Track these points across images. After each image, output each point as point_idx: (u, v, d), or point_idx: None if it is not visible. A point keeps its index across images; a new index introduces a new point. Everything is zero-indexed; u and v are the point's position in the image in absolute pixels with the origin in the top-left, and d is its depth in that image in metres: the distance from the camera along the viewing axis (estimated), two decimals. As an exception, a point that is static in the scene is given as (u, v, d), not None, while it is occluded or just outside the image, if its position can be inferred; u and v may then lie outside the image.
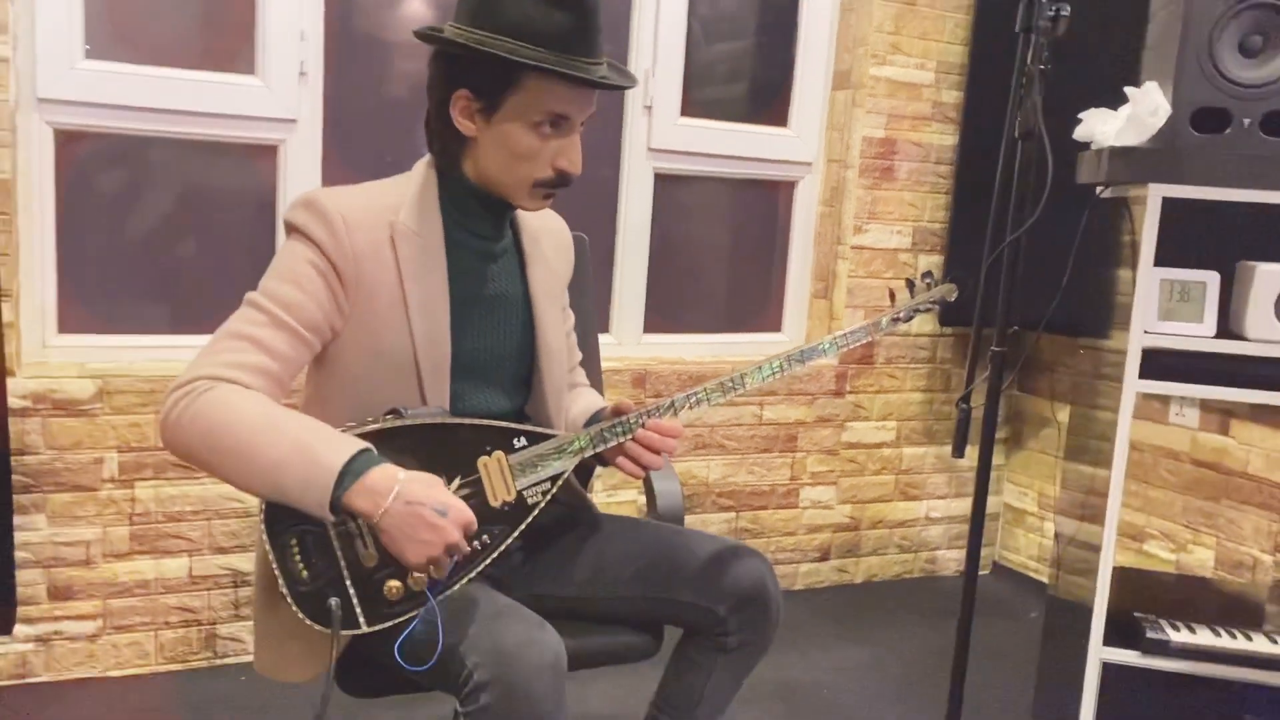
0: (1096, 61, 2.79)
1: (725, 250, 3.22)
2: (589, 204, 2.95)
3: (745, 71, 3.15)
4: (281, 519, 1.33)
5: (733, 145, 3.09)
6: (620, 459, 1.50)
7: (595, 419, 1.60)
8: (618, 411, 1.51)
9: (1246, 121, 1.89)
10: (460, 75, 1.41)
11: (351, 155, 2.64)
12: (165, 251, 2.52)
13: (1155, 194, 1.93)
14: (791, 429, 3.16)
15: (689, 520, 2.98)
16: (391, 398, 1.42)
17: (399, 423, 1.38)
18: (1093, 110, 2.11)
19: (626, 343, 3.05)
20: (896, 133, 3.14)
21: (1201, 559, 2.87)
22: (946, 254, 3.25)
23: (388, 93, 2.68)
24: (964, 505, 3.48)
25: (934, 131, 3.19)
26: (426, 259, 1.45)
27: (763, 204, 3.24)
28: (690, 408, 1.50)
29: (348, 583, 1.34)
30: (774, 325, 3.30)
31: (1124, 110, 2.01)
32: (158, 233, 2.51)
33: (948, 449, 3.41)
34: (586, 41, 1.39)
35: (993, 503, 3.55)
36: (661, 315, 3.11)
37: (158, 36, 2.43)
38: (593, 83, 1.40)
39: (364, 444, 1.31)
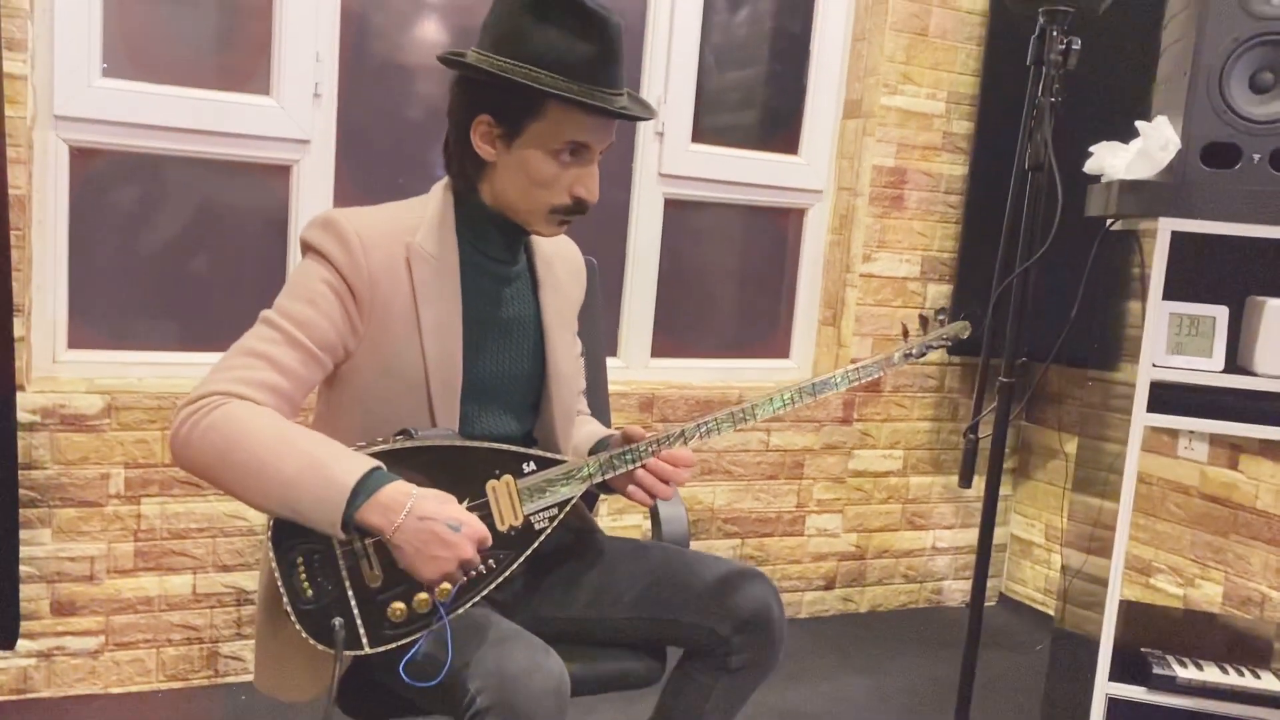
0: (1107, 95, 2.80)
1: (734, 276, 3.22)
2: (599, 228, 2.96)
3: (757, 99, 3.17)
4: (288, 537, 1.33)
5: (743, 172, 3.10)
6: (631, 488, 1.50)
7: (600, 446, 1.60)
8: (627, 439, 1.51)
9: (1256, 157, 1.90)
10: (482, 101, 1.42)
11: (364, 176, 2.66)
12: (176, 269, 2.53)
13: (1165, 228, 1.93)
14: (798, 456, 3.15)
15: (694, 546, 2.97)
16: (402, 418, 1.43)
17: (409, 444, 1.38)
18: (1103, 143, 2.12)
19: (634, 366, 3.05)
20: (907, 162, 3.15)
21: (1209, 594, 2.85)
22: (955, 284, 3.26)
23: (401, 115, 2.70)
24: (970, 536, 3.46)
25: (944, 161, 3.20)
26: (441, 281, 1.45)
27: (772, 231, 3.25)
28: (700, 437, 1.50)
29: (352, 603, 1.34)
30: (782, 352, 3.30)
31: (1134, 144, 2.01)
32: (169, 250, 2.52)
33: (955, 478, 3.39)
34: (608, 72, 1.41)
35: (999, 534, 3.54)
36: (670, 340, 3.11)
37: (174, 56, 2.45)
38: (614, 113, 1.41)
39: (376, 462, 1.32)
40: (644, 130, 2.96)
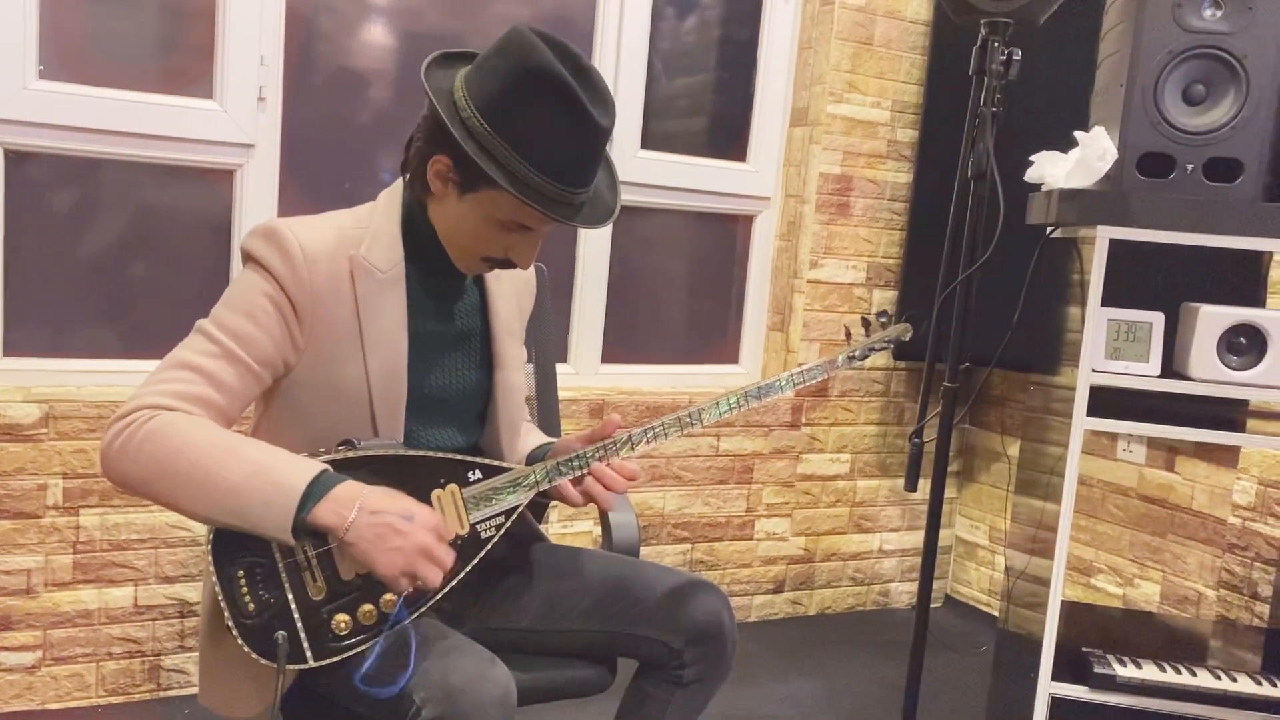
0: (1048, 105, 2.86)
1: (683, 282, 3.23)
2: (549, 235, 2.95)
3: (705, 107, 3.18)
4: (229, 550, 1.31)
5: (692, 179, 3.12)
6: (574, 495, 1.50)
7: (541, 452, 1.60)
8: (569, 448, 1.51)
9: (1190, 167, 1.94)
10: (448, 143, 1.36)
11: (309, 181, 2.63)
12: (116, 275, 2.48)
13: (1103, 236, 1.97)
14: (748, 460, 3.17)
15: (644, 552, 2.97)
16: (344, 432, 1.41)
17: (352, 453, 1.37)
18: (1043, 153, 2.15)
19: (584, 373, 3.05)
20: (852, 169, 3.19)
21: (1148, 593, 2.91)
22: (900, 290, 3.30)
23: (348, 119, 2.68)
24: (917, 538, 3.50)
25: (889, 169, 3.24)
26: (386, 295, 1.44)
27: (721, 237, 3.26)
28: (647, 443, 1.51)
29: (295, 616, 1.32)
30: (731, 357, 3.32)
31: (1073, 153, 2.05)
32: (109, 256, 2.48)
33: (901, 482, 3.43)
34: (580, 170, 1.38)
35: (945, 536, 3.58)
36: (620, 346, 3.11)
37: (113, 58, 2.40)
38: (565, 222, 1.39)
39: (324, 465, 1.31)
40: (593, 136, 2.95)
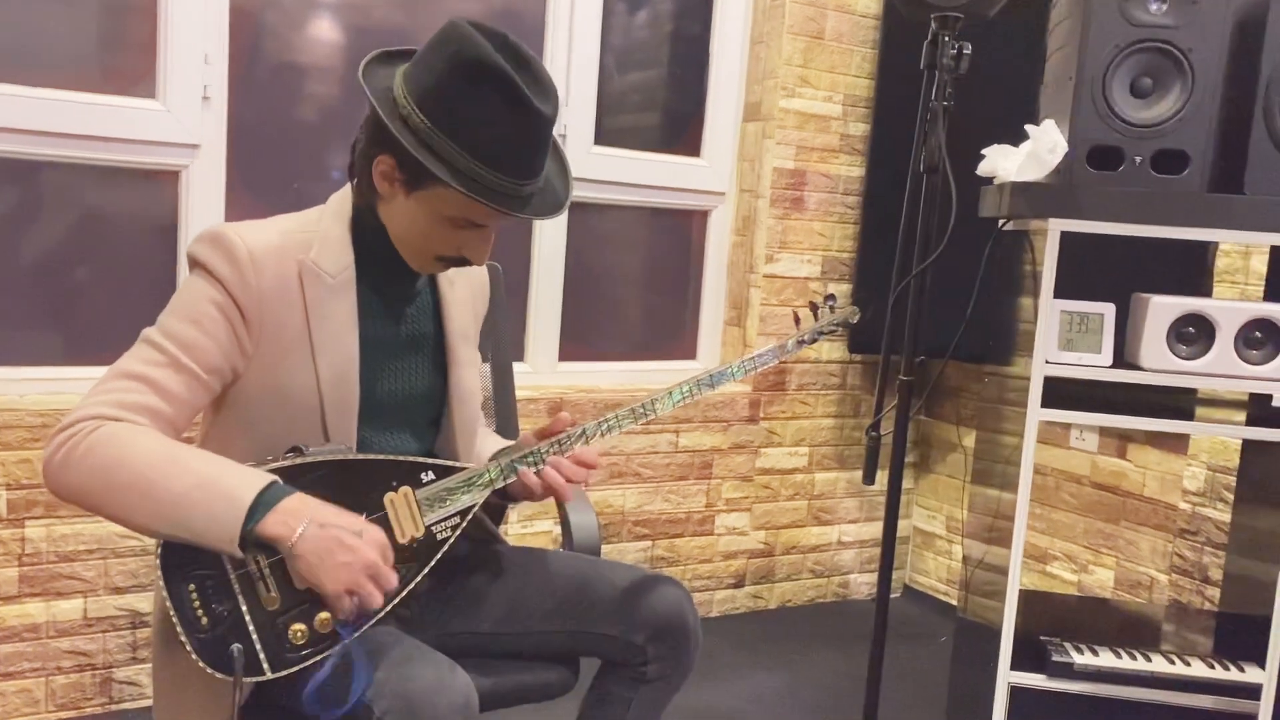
0: (998, 98, 2.88)
1: (640, 278, 3.23)
2: (503, 232, 2.91)
3: (658, 102, 3.17)
4: (179, 563, 1.28)
5: (646, 174, 3.11)
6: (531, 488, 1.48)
7: (503, 453, 1.58)
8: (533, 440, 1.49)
9: (1139, 159, 1.96)
10: (390, 141, 1.34)
11: (258, 181, 2.58)
12: (59, 280, 2.42)
13: (1054, 228, 1.99)
14: (707, 456, 3.17)
15: (605, 550, 2.96)
16: (295, 439, 1.38)
17: (301, 460, 1.34)
18: (995, 146, 2.17)
19: (542, 371, 3.03)
20: (806, 164, 3.20)
21: (1102, 579, 2.95)
22: (854, 283, 3.31)
23: (296, 117, 2.63)
24: (875, 529, 3.53)
25: (842, 163, 3.26)
26: (335, 300, 1.41)
27: (676, 233, 3.26)
28: (601, 435, 1.49)
29: (250, 628, 1.30)
30: (689, 353, 3.32)
31: (1024, 147, 2.07)
32: (51, 261, 2.41)
33: (859, 474, 3.45)
34: (526, 160, 1.36)
35: (903, 526, 3.61)
36: (577, 343, 3.10)
37: (53, 58, 2.34)
38: (513, 215, 1.37)
39: (272, 476, 1.28)
40: (546, 133, 2.93)
